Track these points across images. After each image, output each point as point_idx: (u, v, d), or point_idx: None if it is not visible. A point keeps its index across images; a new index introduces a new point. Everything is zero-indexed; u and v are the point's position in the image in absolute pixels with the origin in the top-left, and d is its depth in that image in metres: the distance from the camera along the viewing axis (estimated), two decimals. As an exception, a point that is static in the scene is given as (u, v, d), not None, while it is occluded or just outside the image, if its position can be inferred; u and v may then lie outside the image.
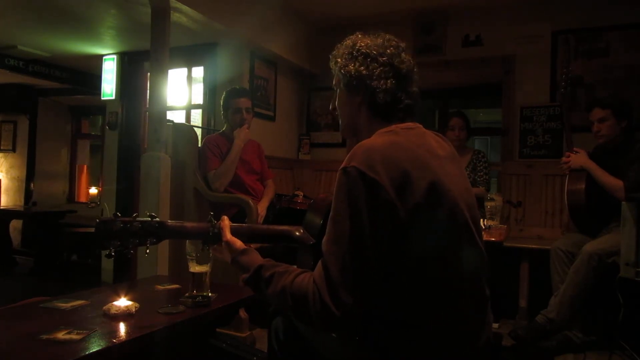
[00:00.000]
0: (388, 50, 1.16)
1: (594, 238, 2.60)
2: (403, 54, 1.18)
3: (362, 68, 1.15)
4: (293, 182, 4.44)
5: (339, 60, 1.20)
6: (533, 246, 3.07)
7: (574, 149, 2.83)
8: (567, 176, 2.83)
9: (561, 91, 3.04)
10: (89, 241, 5.06)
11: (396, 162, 0.99)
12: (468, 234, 1.07)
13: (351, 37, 1.23)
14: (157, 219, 1.18)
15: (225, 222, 1.22)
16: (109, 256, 1.13)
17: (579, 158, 2.77)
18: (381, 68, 1.14)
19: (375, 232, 0.95)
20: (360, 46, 1.17)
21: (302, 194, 3.39)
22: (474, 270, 1.07)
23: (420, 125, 1.18)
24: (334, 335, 1.17)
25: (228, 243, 1.19)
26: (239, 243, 1.19)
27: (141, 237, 1.15)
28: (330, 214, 1.00)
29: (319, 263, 0.99)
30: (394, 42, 1.19)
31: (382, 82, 1.14)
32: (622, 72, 3.45)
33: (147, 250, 1.17)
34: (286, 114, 4.40)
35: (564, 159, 2.86)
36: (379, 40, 1.18)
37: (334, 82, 1.26)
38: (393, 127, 1.13)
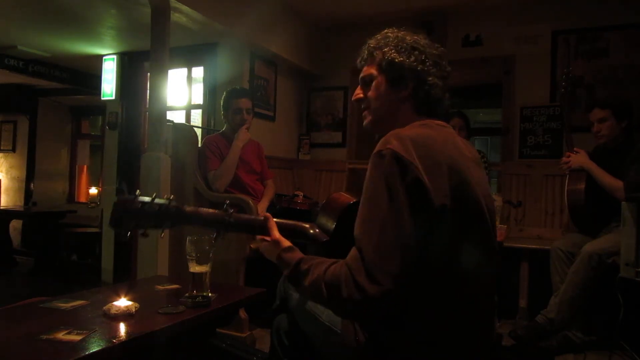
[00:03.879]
0: (437, 51, 1.17)
1: (594, 238, 2.59)
2: (445, 57, 1.19)
3: (417, 63, 1.13)
4: (293, 182, 4.44)
5: (386, 50, 1.16)
6: (533, 246, 3.07)
7: (574, 149, 2.83)
8: (567, 176, 2.82)
9: (561, 91, 3.04)
10: (89, 241, 5.07)
11: (429, 152, 0.98)
12: (488, 238, 1.06)
13: (390, 30, 1.20)
14: (175, 203, 1.15)
15: (272, 221, 1.22)
16: (123, 237, 1.11)
17: (579, 158, 2.77)
18: (434, 66, 1.14)
19: (411, 215, 0.92)
20: (410, 41, 1.16)
21: (302, 194, 3.40)
22: (488, 276, 1.07)
23: (451, 127, 1.18)
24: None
25: (276, 242, 1.18)
26: (285, 242, 1.18)
27: (158, 220, 1.13)
28: (363, 196, 0.97)
29: (353, 249, 0.96)
30: (438, 45, 1.20)
31: (436, 79, 1.14)
32: (622, 72, 3.44)
33: (162, 234, 1.15)
34: (286, 114, 4.40)
35: (564, 159, 2.86)
36: (425, 39, 1.18)
37: (365, 74, 1.21)
38: (428, 121, 1.12)
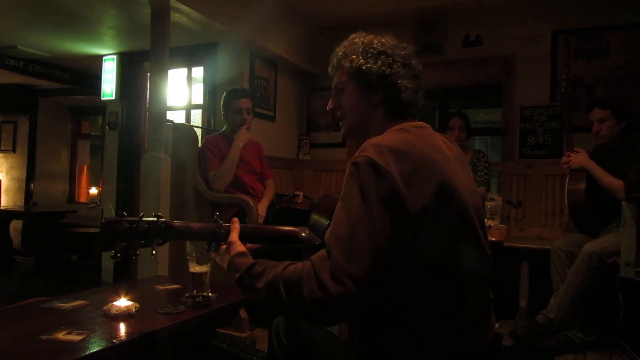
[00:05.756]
0: (404, 52, 1.17)
1: (594, 238, 2.60)
2: (414, 56, 1.19)
3: (385, 67, 1.13)
4: (293, 182, 4.44)
5: (354, 57, 1.16)
6: (533, 246, 3.07)
7: (575, 148, 2.83)
8: (567, 176, 2.83)
9: (561, 91, 3.04)
10: (89, 241, 5.06)
11: (406, 157, 0.97)
12: (475, 236, 1.06)
13: (357, 35, 1.21)
14: (164, 219, 1.15)
15: (236, 225, 1.20)
16: (114, 257, 1.10)
17: (579, 158, 2.77)
18: (403, 68, 1.15)
19: (384, 222, 0.91)
20: (377, 45, 1.16)
21: (302, 194, 3.40)
22: (479, 273, 1.06)
23: (430, 126, 1.17)
24: (335, 332, 1.16)
25: (231, 243, 1.17)
26: (240, 246, 1.17)
27: (147, 238, 1.12)
28: (338, 203, 0.97)
29: (320, 250, 0.95)
30: (405, 44, 1.20)
31: (406, 81, 1.14)
32: (622, 72, 3.45)
33: (154, 252, 1.13)
34: (286, 114, 4.40)
35: (564, 158, 2.86)
36: (393, 41, 1.18)
37: (337, 81, 1.22)
38: (405, 125, 1.12)
